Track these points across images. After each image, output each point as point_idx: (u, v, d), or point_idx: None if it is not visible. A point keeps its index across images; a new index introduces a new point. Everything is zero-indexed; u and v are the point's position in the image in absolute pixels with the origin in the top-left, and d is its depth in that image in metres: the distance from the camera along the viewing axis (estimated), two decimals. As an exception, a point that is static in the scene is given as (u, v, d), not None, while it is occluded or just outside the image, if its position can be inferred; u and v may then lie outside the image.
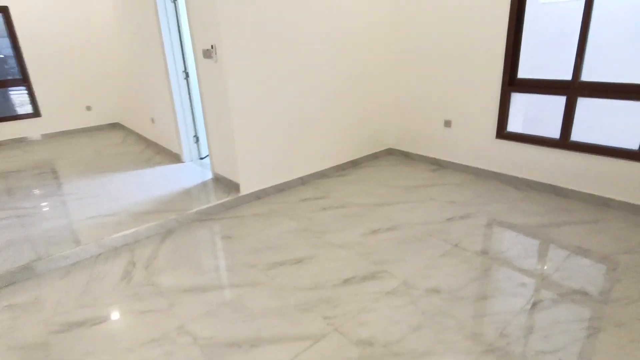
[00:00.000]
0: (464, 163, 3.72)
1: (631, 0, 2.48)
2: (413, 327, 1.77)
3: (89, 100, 5.86)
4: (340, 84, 3.67)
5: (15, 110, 5.49)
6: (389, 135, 4.33)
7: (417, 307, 1.90)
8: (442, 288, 2.04)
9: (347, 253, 2.42)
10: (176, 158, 4.31)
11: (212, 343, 1.73)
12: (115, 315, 1.95)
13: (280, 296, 2.03)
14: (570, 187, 3.04)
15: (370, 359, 1.61)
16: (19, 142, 5.44)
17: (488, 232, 2.61)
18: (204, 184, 3.52)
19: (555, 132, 3.05)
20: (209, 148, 3.53)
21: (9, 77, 5.33)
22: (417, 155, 4.13)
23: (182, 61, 3.89)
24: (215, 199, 3.14)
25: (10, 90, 5.44)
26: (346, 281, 2.14)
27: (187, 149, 4.16)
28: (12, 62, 5.30)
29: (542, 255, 2.30)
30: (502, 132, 3.35)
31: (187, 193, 3.32)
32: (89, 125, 5.96)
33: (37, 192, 3.51)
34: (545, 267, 2.18)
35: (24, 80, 5.35)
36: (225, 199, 3.14)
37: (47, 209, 3.12)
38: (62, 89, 5.61)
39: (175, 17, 3.75)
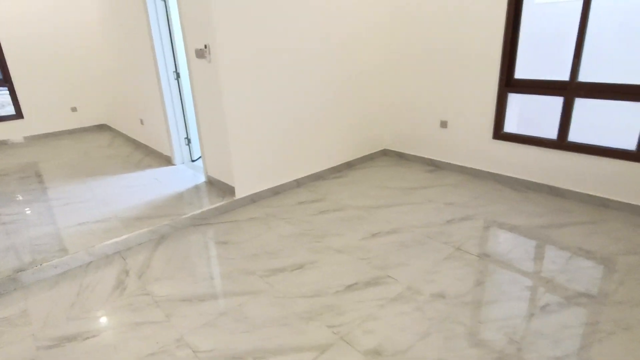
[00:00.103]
0: (460, 164, 3.70)
1: (629, 0, 2.49)
2: (421, 335, 1.72)
3: (74, 101, 5.69)
4: (335, 84, 3.61)
5: (-4, 112, 5.29)
6: (384, 136, 4.30)
7: (423, 314, 1.85)
8: (447, 293, 2.00)
9: (348, 258, 2.36)
10: (167, 160, 4.20)
11: (213, 356, 1.65)
12: (109, 328, 1.86)
13: (281, 304, 1.96)
14: (568, 187, 3.04)
15: (379, 369, 1.56)
16: (0, 144, 5.24)
17: (489, 235, 2.58)
18: (197, 188, 3.42)
19: (552, 133, 3.05)
20: (202, 150, 3.43)
21: (-10, 78, 5.14)
22: (412, 156, 4.10)
23: (172, 61, 3.78)
24: (209, 203, 3.05)
25: (-9, 91, 5.25)
26: (349, 287, 2.08)
27: (178, 151, 4.05)
28: (-7, 62, 5.10)
29: (544, 258, 2.28)
30: (499, 133, 3.34)
31: (179, 197, 3.22)
32: (74, 127, 5.78)
33: (21, 197, 3.37)
34: (549, 270, 2.16)
35: (6, 81, 5.15)
36: (220, 202, 3.05)
37: (33, 215, 2.99)
38: (46, 90, 5.43)
39: (166, 16, 3.64)
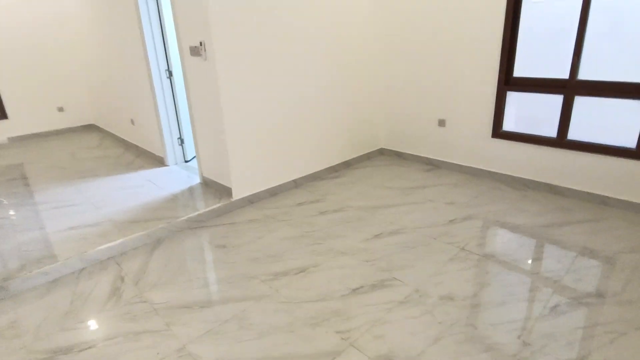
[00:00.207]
0: (458, 163, 3.68)
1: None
2: (432, 339, 1.68)
3: (61, 100, 5.51)
4: (332, 83, 3.56)
5: (-22, 112, 5.09)
6: (381, 135, 4.26)
7: (433, 317, 1.81)
8: (456, 295, 1.96)
9: (352, 260, 2.31)
10: (159, 161, 4.08)
11: (218, 366, 1.58)
12: (105, 338, 1.77)
13: (287, 310, 1.90)
14: (567, 186, 3.04)
15: (392, 376, 1.51)
16: (-17, 146, 5.05)
17: (492, 234, 2.56)
18: (192, 189, 3.33)
19: (551, 131, 3.04)
20: (197, 151, 3.34)
21: (-29, 76, 4.94)
22: (410, 155, 4.07)
23: (165, 59, 3.67)
24: (206, 205, 2.96)
25: (-27, 90, 5.04)
26: (355, 291, 2.03)
27: (171, 151, 3.94)
28: (-26, 60, 4.91)
29: (550, 257, 2.26)
30: (498, 131, 3.32)
31: (174, 199, 3.13)
32: (61, 127, 5.61)
33: (6, 201, 3.23)
34: (555, 270, 2.14)
35: (-12, 80, 4.96)
36: (217, 204, 2.97)
37: (20, 219, 2.86)
38: (31, 89, 5.24)
39: (157, 12, 3.53)
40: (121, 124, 4.91)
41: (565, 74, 2.87)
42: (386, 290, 2.02)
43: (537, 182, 3.19)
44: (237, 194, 3.07)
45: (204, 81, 2.88)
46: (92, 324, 1.86)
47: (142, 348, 1.69)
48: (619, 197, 2.80)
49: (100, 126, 5.69)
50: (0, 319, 1.92)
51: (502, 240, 2.47)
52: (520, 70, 3.11)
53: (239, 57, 2.79)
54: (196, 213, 2.84)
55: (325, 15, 3.31)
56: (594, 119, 2.85)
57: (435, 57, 3.55)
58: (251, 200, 3.16)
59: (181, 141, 3.98)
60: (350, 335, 1.72)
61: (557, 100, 2.95)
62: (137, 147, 4.61)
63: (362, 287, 2.06)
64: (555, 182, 3.10)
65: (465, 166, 3.63)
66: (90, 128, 5.84)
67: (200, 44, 2.73)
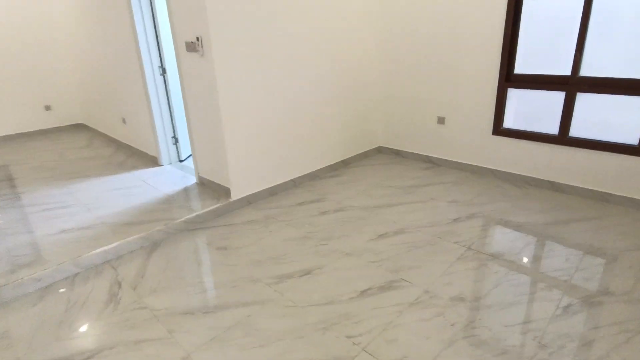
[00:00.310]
0: (458, 160, 3.65)
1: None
2: (446, 342, 1.63)
3: (48, 98, 5.33)
4: (330, 79, 3.49)
5: (-40, 111, 4.89)
6: (379, 133, 4.21)
7: (445, 319, 1.76)
8: (466, 296, 1.92)
9: (358, 261, 2.25)
10: (153, 161, 3.97)
11: (226, 376, 1.51)
12: (104, 348, 1.68)
13: (294, 314, 1.83)
14: (568, 183, 3.03)
15: (408, 382, 1.45)
16: (-34, 146, 4.86)
17: (498, 233, 2.53)
18: (189, 189, 3.23)
19: (552, 128, 3.03)
20: (193, 150, 3.24)
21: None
22: (408, 153, 4.03)
23: (158, 55, 3.56)
24: (204, 206, 2.87)
25: (-46, 89, 4.85)
26: (363, 293, 1.97)
27: (165, 151, 3.83)
28: (-44, 57, 4.71)
29: (557, 256, 2.24)
30: (499, 129, 3.30)
31: (170, 200, 3.03)
32: (48, 127, 5.43)
33: (-7, 203, 3.09)
34: (564, 268, 2.11)
35: (-29, 77, 4.77)
36: (215, 205, 2.88)
37: (8, 223, 2.73)
38: (16, 87, 5.06)
39: (150, 6, 3.42)
40: (112, 123, 4.76)
41: (566, 71, 2.85)
42: (395, 292, 1.97)
43: (538, 179, 3.18)
44: (236, 194, 2.99)
45: (201, 78, 2.79)
46: (90, 333, 1.76)
47: (144, 357, 1.61)
48: (620, 193, 2.80)
49: (89, 125, 5.53)
50: (-10, 329, 1.82)
51: (508, 239, 2.44)
52: (521, 66, 3.09)
53: (237, 53, 2.70)
54: (194, 214, 2.75)
55: (324, 9, 3.24)
56: (595, 115, 2.84)
57: (434, 53, 3.51)
58: (250, 201, 3.08)
59: (175, 140, 3.88)
60: (362, 339, 1.66)
61: (558, 97, 2.94)
62: (128, 146, 4.48)
63: (370, 289, 2.00)
64: (556, 179, 3.09)
65: (466, 164, 3.60)
66: (78, 127, 5.67)
67: (197, 39, 2.64)
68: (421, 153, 3.92)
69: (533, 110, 3.17)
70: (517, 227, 2.57)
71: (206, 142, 3.04)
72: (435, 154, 3.81)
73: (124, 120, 4.38)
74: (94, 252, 2.30)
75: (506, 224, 2.63)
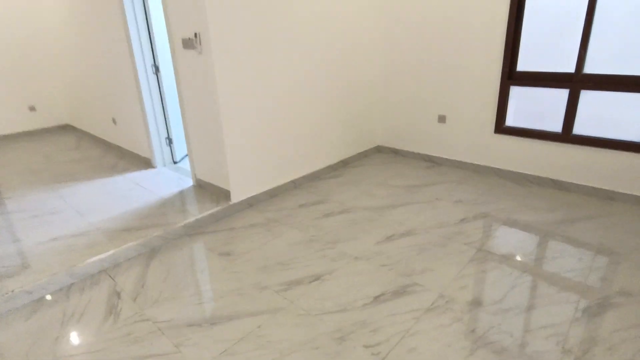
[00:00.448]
0: (459, 159, 3.61)
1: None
2: (469, 350, 1.57)
3: (33, 99, 5.12)
4: (329, 76, 3.41)
5: (-62, 112, 4.66)
6: (378, 132, 4.15)
7: (465, 325, 1.70)
8: (483, 300, 1.86)
9: (368, 265, 2.18)
10: (146, 163, 3.83)
11: (240, 393, 1.42)
12: (106, 365, 1.57)
13: (307, 323, 1.75)
14: (572, 181, 3.01)
15: (434, 394, 1.39)
16: (-55, 149, 4.63)
17: (506, 233, 2.48)
18: (185, 192, 3.11)
19: (556, 126, 3.01)
20: (190, 152, 3.13)
21: None
22: (408, 152, 3.98)
23: (151, 53, 3.43)
24: (203, 209, 2.76)
25: None
26: (377, 299, 1.90)
27: (159, 152, 3.70)
28: None
29: (569, 256, 2.20)
30: (501, 127, 3.27)
31: (167, 203, 2.91)
32: (33, 128, 5.22)
33: (-23, 210, 2.92)
34: (578, 268, 2.08)
35: (-51, 77, 4.54)
36: (215, 208, 2.77)
37: (-5, 231, 2.58)
38: (-2, 87, 4.84)
39: (142, 1, 3.28)
40: (101, 124, 4.59)
41: (569, 68, 2.83)
42: (410, 297, 1.90)
43: (541, 177, 3.16)
44: (236, 197, 2.88)
45: (199, 77, 2.68)
46: (90, 349, 1.65)
47: (150, 375, 1.51)
48: (625, 191, 2.79)
49: (77, 126, 5.33)
50: (-21, 347, 1.69)
51: (518, 239, 2.40)
52: (524, 64, 3.06)
53: (237, 50, 2.60)
54: (193, 218, 2.64)
55: (324, 7, 3.15)
56: (599, 113, 2.82)
57: (435, 51, 3.46)
58: (250, 203, 2.99)
59: (169, 141, 3.74)
60: (381, 349, 1.59)
61: (561, 94, 2.92)
62: (119, 148, 4.32)
63: (383, 294, 1.93)
64: (560, 177, 3.07)
65: (467, 163, 3.56)
66: (65, 128, 5.47)
67: (195, 35, 2.53)
68: (421, 152, 3.87)
69: (536, 108, 3.14)
70: (525, 227, 2.53)
71: (204, 144, 2.93)
72: (436, 153, 3.77)
73: (114, 121, 4.22)
74: (89, 260, 2.18)
75: (514, 223, 2.59)
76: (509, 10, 2.96)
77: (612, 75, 2.68)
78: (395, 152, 4.09)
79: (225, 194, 2.91)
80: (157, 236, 2.45)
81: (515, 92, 3.18)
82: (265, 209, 2.93)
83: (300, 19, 2.98)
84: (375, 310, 1.82)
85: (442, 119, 3.62)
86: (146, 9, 3.28)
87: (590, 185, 2.93)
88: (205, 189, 3.12)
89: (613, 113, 2.77)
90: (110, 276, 2.16)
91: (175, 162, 3.83)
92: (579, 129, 2.91)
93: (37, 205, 2.96)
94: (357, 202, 3.00)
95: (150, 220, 2.63)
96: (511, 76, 3.12)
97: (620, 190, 2.81)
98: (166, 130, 3.70)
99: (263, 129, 2.94)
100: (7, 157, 4.25)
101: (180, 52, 2.76)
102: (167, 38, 3.36)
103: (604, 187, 2.88)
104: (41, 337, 1.72)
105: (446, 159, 3.70)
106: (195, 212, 2.73)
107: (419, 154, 3.89)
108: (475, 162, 3.51)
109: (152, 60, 3.44)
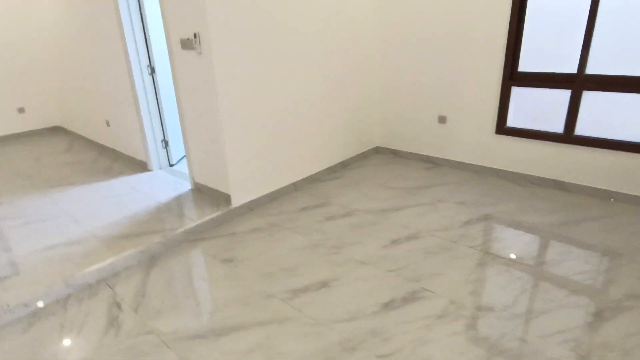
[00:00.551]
0: (460, 160, 3.59)
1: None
2: (484, 358, 1.54)
3: (22, 100, 4.97)
4: (328, 78, 3.36)
5: None
6: (376, 133, 4.11)
7: (477, 332, 1.67)
8: (494, 305, 1.84)
9: (375, 270, 2.14)
10: (141, 166, 3.74)
11: (252, 409, 1.37)
12: (109, 381, 1.51)
13: (316, 333, 1.70)
14: (573, 181, 3.01)
15: (452, 406, 1.35)
16: None
17: (512, 235, 2.46)
18: (184, 196, 3.04)
19: (557, 127, 3.00)
20: (188, 155, 3.05)
21: None
22: (407, 153, 3.95)
23: (146, 53, 3.34)
24: (203, 214, 2.70)
25: None
26: (386, 306, 1.86)
27: (155, 155, 3.61)
28: None
29: (576, 258, 2.19)
30: (502, 128, 3.26)
31: (166, 208, 2.83)
32: (22, 131, 5.07)
33: (-33, 217, 2.82)
34: (586, 271, 2.06)
35: None
36: (216, 213, 2.71)
37: (-14, 239, 2.49)
38: (-15, 88, 4.69)
39: (137, 1, 3.19)
40: (94, 126, 4.48)
41: (571, 69, 2.82)
42: (419, 303, 1.86)
43: (542, 178, 3.15)
44: (237, 201, 2.82)
45: (198, 78, 2.61)
46: (91, 364, 1.58)
47: (156, 391, 1.45)
48: (627, 191, 2.80)
49: (68, 128, 5.20)
50: (-27, 364, 1.61)
51: (524, 241, 2.38)
52: (526, 64, 3.05)
53: (237, 52, 2.54)
54: (194, 224, 2.58)
55: (324, 8, 3.10)
56: (602, 113, 2.82)
57: (436, 51, 3.43)
58: (251, 207, 2.93)
59: (165, 143, 3.66)
60: (394, 359, 1.55)
61: (562, 95, 2.91)
62: (113, 150, 4.22)
63: (392, 301, 1.89)
64: (561, 178, 3.06)
65: (468, 164, 3.54)
66: (56, 130, 5.33)
67: (195, 36, 2.46)
68: (421, 153, 3.85)
69: (537, 108, 3.13)
70: (530, 229, 2.52)
71: (203, 147, 2.86)
72: (436, 154, 3.74)
73: (107, 123, 4.12)
74: (86, 270, 2.10)
75: (518, 225, 2.57)
76: (510, 10, 2.94)
77: (615, 76, 2.67)
78: (395, 153, 4.06)
79: (225, 198, 2.84)
80: (157, 243, 2.38)
81: (517, 92, 3.17)
82: (267, 213, 2.87)
83: (300, 20, 2.92)
84: (386, 318, 1.78)
85: (442, 119, 3.60)
86: (141, 9, 3.20)
87: (592, 185, 2.93)
88: (204, 193, 3.05)
89: (615, 114, 2.77)
90: (109, 286, 2.09)
91: (171, 165, 3.75)
92: (581, 129, 2.91)
93: (29, 211, 2.86)
94: (359, 204, 2.96)
95: (149, 226, 2.56)
96: (512, 77, 3.11)
97: (622, 191, 2.81)
98: (162, 133, 3.62)
99: (263, 132, 2.88)
100: (-4, 160, 4.13)
101: (179, 53, 2.69)
102: (163, 38, 3.29)
103: (605, 188, 2.88)
104: (39, 352, 1.65)
105: (446, 159, 3.68)
106: (195, 217, 2.66)
107: (418, 154, 3.87)
108: (476, 163, 3.50)
109: (148, 61, 3.36)
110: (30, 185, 3.39)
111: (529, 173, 3.22)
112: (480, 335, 1.66)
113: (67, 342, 1.70)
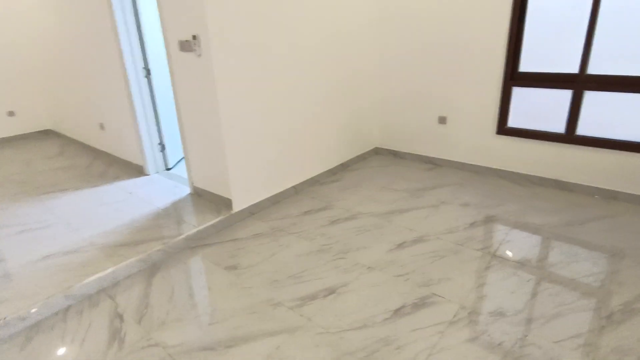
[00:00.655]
0: (461, 161, 3.58)
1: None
2: (500, 366, 1.51)
3: (11, 103, 4.84)
4: (328, 79, 3.32)
5: None
6: (375, 134, 4.08)
7: (491, 338, 1.65)
8: (506, 309, 1.82)
9: (383, 275, 2.10)
10: (138, 170, 3.66)
11: None
12: (115, 398, 1.45)
13: (328, 342, 1.66)
14: (575, 181, 3.01)
15: (471, 417, 1.32)
16: None
17: (518, 237, 2.45)
18: (183, 201, 2.98)
19: (558, 127, 3.00)
20: (187, 159, 2.99)
21: None
22: (407, 154, 3.93)
23: (141, 55, 3.26)
24: (203, 220, 2.64)
25: None
26: (397, 312, 1.82)
27: (151, 159, 3.53)
28: None
29: (584, 259, 2.18)
30: (503, 128, 3.25)
31: (165, 214, 2.77)
32: (12, 134, 4.94)
33: (-43, 226, 2.72)
34: (595, 273, 2.05)
35: None
36: (217, 218, 2.65)
37: (-22, 249, 2.40)
38: (-27, 91, 4.56)
39: (132, 1, 3.11)
40: (87, 129, 4.38)
41: (573, 69, 2.82)
42: (430, 309, 1.83)
43: (544, 178, 3.15)
44: (238, 205, 2.77)
45: (197, 80, 2.55)
46: (95, 381, 1.52)
47: (165, 408, 1.39)
48: (628, 191, 2.80)
49: (60, 132, 5.08)
50: (-30, 383, 1.54)
51: (530, 243, 2.37)
52: (526, 64, 3.04)
53: (236, 54, 2.48)
54: (195, 230, 2.52)
55: (323, 9, 3.05)
56: (603, 113, 2.82)
57: (436, 51, 3.41)
58: (252, 211, 2.87)
59: (162, 147, 3.59)
60: (409, 368, 1.52)
61: (564, 95, 2.91)
62: (107, 154, 4.12)
63: (403, 307, 1.86)
64: (563, 177, 3.06)
65: (469, 164, 3.53)
66: (47, 134, 5.21)
67: (194, 37, 2.40)
68: (421, 154, 3.83)
69: (538, 108, 3.13)
70: (536, 230, 2.51)
71: (202, 150, 2.80)
72: (436, 155, 3.73)
73: (101, 126, 4.03)
74: (86, 280, 2.03)
75: (524, 226, 2.56)
76: (511, 10, 2.93)
77: (616, 76, 2.68)
78: (394, 154, 4.03)
79: (226, 202, 2.79)
80: (158, 250, 2.32)
81: (518, 92, 3.16)
82: (269, 217, 2.82)
83: (300, 22, 2.88)
84: (397, 325, 1.74)
85: (442, 120, 3.58)
86: (136, 10, 3.12)
87: (593, 185, 2.94)
88: (203, 197, 2.99)
89: (617, 114, 2.77)
90: (109, 296, 2.02)
91: (168, 169, 3.67)
92: (582, 129, 2.91)
93: (22, 219, 2.77)
94: (362, 207, 2.92)
95: (149, 233, 2.49)
96: (513, 77, 3.10)
97: (623, 190, 2.82)
98: (158, 136, 3.54)
99: (263, 134, 2.83)
100: (-14, 166, 4.01)
101: (177, 55, 2.62)
102: (159, 40, 3.21)
103: (607, 187, 2.88)
104: (40, 369, 1.58)
105: (447, 160, 3.66)
106: (195, 223, 2.60)
107: (418, 155, 3.85)
108: (477, 164, 3.49)
109: (143, 63, 3.28)
110: (23, 191, 3.29)
111: (530, 173, 3.22)
112: (495, 342, 1.63)
113: (68, 357, 1.64)
